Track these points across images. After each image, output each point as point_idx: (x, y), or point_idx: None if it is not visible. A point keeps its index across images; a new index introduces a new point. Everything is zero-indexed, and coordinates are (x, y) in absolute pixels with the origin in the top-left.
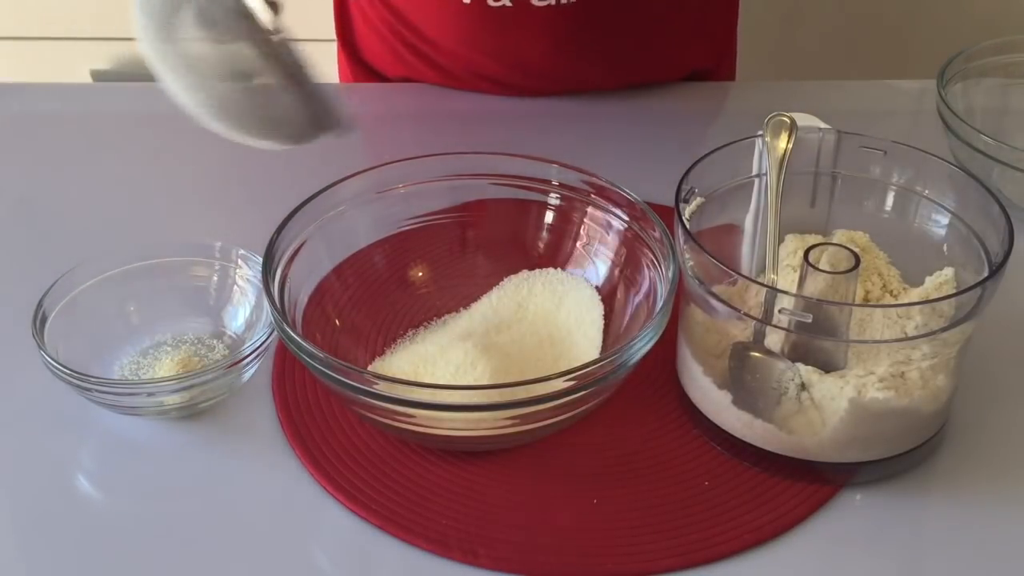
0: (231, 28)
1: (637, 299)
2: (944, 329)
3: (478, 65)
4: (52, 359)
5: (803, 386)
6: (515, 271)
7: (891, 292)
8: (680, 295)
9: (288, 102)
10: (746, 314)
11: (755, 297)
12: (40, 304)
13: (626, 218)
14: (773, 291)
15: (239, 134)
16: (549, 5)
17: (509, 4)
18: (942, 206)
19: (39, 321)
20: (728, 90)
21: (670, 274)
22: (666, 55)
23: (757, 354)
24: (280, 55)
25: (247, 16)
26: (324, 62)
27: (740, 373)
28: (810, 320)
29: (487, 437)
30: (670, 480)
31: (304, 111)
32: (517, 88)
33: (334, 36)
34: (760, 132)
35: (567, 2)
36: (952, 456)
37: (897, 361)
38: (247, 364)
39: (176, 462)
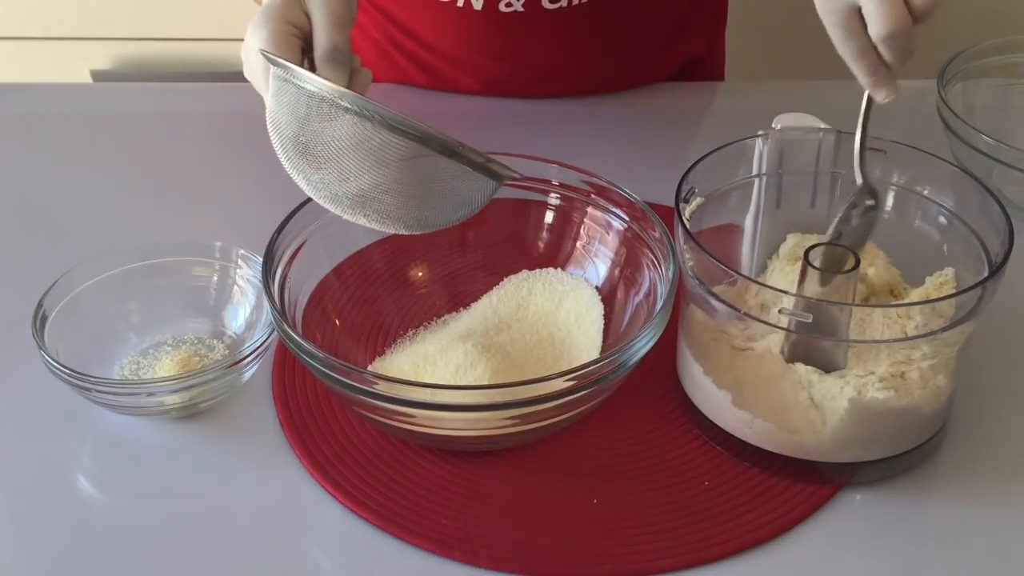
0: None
1: (637, 299)
2: (944, 329)
3: (484, 70)
4: (52, 359)
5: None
6: (515, 271)
7: (891, 292)
8: (680, 295)
9: (450, 175)
10: (746, 314)
11: (755, 297)
12: (40, 304)
13: (626, 218)
14: (774, 289)
15: (421, 229)
16: (560, 7)
17: (521, 9)
18: (942, 206)
19: (39, 321)
20: (729, 90)
21: (670, 274)
22: (663, 47)
23: None
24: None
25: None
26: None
27: None
28: (810, 320)
29: (487, 437)
30: (670, 480)
31: (472, 177)
32: (522, 92)
33: None
34: (760, 132)
35: (577, 3)
36: (952, 456)
37: (897, 361)
38: (247, 364)
39: (176, 462)
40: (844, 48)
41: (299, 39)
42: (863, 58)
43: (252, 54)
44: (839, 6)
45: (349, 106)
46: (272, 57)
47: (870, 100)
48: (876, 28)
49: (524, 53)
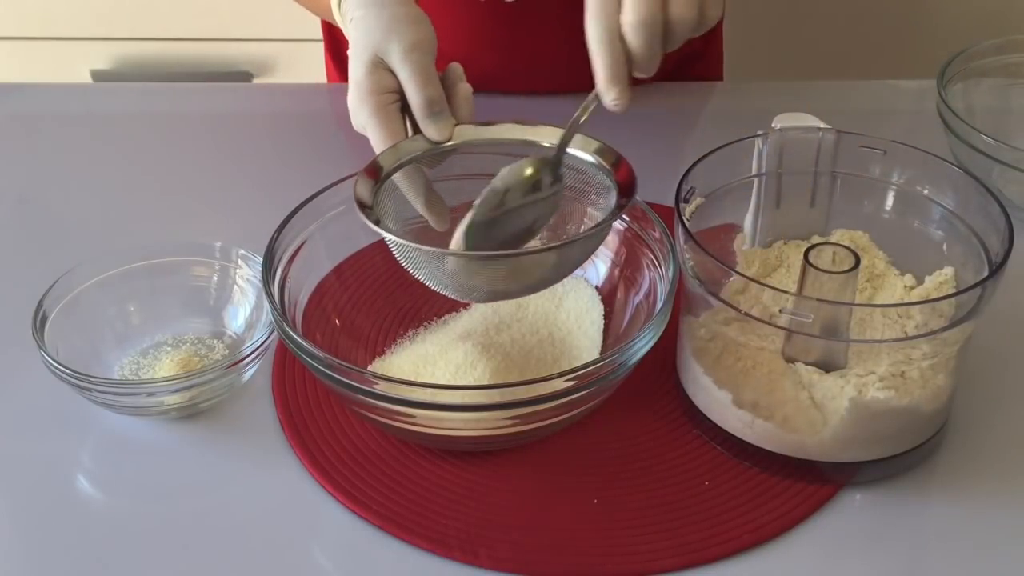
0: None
1: (637, 299)
2: (944, 329)
3: (480, 64)
4: (52, 359)
5: None
6: None
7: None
8: (680, 295)
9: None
10: (746, 314)
11: (755, 297)
12: (40, 304)
13: (626, 218)
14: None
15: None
16: None
17: None
18: (942, 206)
19: (39, 321)
20: (728, 90)
21: (670, 274)
22: None
23: None
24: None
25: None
26: (311, 62)
27: None
28: (810, 320)
29: (487, 437)
30: (670, 480)
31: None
32: (517, 87)
33: (320, 36)
34: (760, 132)
35: None
36: (952, 456)
37: (897, 360)
38: (247, 364)
39: (176, 462)
40: (593, 29)
41: (398, 102)
42: (609, 44)
43: (358, 125)
44: None
45: (430, 253)
46: (364, 220)
47: (595, 102)
48: (629, 14)
49: (523, 44)
